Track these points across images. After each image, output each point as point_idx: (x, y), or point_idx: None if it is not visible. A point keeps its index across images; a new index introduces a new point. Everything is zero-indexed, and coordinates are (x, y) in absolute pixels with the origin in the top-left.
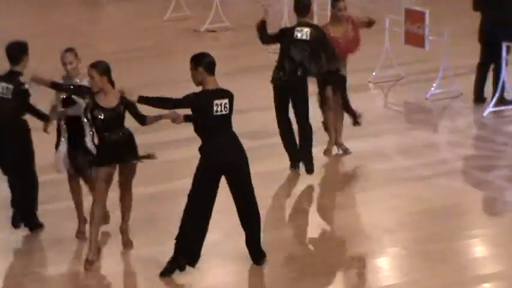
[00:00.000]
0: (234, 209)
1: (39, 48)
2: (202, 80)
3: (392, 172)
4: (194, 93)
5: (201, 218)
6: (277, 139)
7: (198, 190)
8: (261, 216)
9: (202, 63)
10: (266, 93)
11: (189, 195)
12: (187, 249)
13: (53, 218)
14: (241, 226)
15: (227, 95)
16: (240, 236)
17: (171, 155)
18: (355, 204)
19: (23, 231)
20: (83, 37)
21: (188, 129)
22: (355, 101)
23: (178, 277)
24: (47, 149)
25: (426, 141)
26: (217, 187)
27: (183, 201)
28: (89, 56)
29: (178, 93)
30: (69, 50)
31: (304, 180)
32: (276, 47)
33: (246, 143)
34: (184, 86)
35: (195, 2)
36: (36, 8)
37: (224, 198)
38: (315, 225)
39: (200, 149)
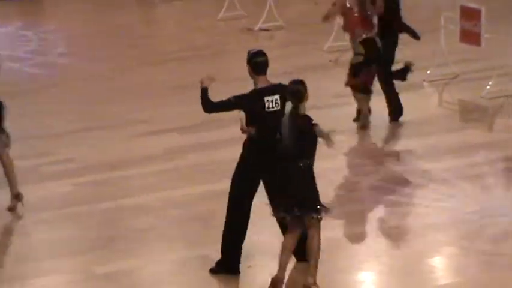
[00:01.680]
0: None
1: (96, 49)
2: (252, 77)
3: (446, 171)
4: (244, 94)
5: (241, 217)
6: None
7: (237, 189)
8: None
9: (250, 62)
10: (322, 92)
11: (229, 194)
12: (228, 253)
13: (101, 216)
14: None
15: (278, 91)
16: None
17: (223, 154)
18: (408, 203)
19: (73, 231)
20: (138, 37)
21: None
22: (410, 99)
23: (226, 276)
24: (98, 148)
25: (481, 140)
26: (255, 186)
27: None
28: (144, 56)
29: (232, 92)
30: None
31: (356, 179)
32: (332, 44)
33: None
34: (239, 85)
35: (249, 1)
36: (91, 8)
37: None
38: (367, 224)
39: (244, 144)
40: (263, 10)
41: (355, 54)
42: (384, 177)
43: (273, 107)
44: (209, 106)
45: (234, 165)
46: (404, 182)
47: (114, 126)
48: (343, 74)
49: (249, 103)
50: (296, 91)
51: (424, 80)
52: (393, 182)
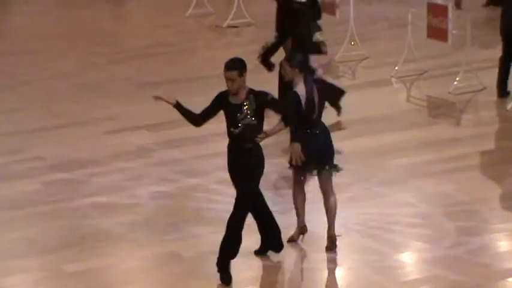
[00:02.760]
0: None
1: (63, 46)
2: (241, 86)
3: (414, 166)
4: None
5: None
6: None
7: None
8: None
9: (246, 70)
10: None
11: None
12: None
13: (71, 214)
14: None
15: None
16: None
17: (191, 151)
18: (376, 198)
19: (42, 229)
20: (106, 34)
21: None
22: (378, 95)
23: (198, 272)
24: (83, 143)
25: (449, 135)
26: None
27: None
28: (112, 53)
29: (200, 88)
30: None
31: None
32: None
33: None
34: (206, 82)
35: None
36: (59, 6)
37: None
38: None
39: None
40: (232, 7)
41: None
42: (352, 173)
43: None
44: (198, 120)
45: (202, 162)
46: (371, 177)
47: (83, 124)
48: None
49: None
50: (302, 60)
51: (392, 76)
52: (360, 177)
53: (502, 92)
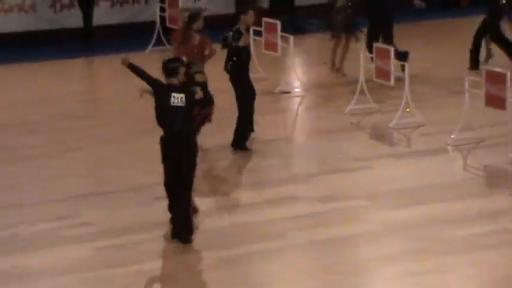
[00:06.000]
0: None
1: (114, 111)
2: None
3: (472, 238)
4: (162, 82)
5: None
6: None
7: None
8: None
9: (163, 65)
10: (344, 155)
11: None
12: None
13: (121, 281)
14: None
15: (184, 90)
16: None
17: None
18: (432, 271)
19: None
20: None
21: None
22: (434, 163)
23: None
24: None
25: (507, 206)
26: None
27: None
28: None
29: None
30: None
31: (375, 246)
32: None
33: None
34: None
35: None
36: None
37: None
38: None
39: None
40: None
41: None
42: (405, 244)
43: (178, 103)
44: (141, 70)
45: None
46: (427, 248)
47: (132, 190)
48: (364, 137)
49: (160, 90)
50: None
51: (448, 144)
52: (417, 248)
53: None
